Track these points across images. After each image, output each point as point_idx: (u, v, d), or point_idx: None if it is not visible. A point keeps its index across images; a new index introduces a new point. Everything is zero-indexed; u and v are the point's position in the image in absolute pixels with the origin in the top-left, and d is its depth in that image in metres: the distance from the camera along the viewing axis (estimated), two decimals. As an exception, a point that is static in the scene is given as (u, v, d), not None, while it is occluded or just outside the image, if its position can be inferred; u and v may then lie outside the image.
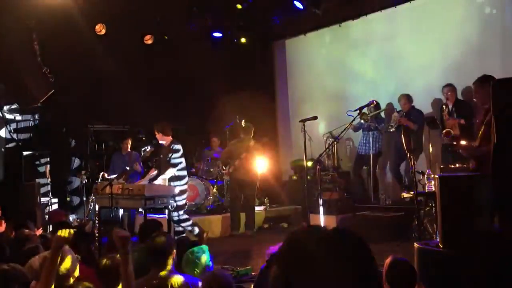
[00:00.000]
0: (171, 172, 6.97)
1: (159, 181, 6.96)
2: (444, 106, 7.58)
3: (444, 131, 7.23)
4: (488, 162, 4.48)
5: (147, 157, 7.66)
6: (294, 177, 9.79)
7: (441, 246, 3.91)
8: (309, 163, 7.39)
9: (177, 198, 7.00)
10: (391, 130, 8.10)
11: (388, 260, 2.88)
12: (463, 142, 5.11)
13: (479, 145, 4.69)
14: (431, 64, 8.46)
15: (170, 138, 7.24)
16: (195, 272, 3.65)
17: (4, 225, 5.38)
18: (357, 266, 1.09)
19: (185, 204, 7.41)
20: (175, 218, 7.01)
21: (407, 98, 8.04)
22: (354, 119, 7.02)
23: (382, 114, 8.64)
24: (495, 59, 7.62)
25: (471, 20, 7.96)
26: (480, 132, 4.63)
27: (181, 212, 7.09)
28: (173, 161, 7.05)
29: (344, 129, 7.37)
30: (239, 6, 9.43)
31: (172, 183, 7.01)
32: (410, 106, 7.99)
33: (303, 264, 1.08)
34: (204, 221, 8.58)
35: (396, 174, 8.31)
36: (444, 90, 7.62)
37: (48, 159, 9.00)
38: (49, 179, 8.88)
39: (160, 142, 7.29)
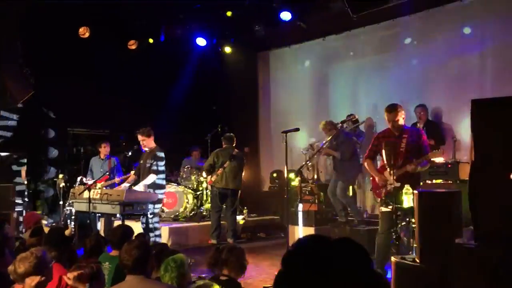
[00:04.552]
0: (152, 178, 6.93)
1: (139, 187, 6.90)
2: (416, 125, 7.70)
3: None
4: None
5: None
6: (274, 188, 9.84)
7: (418, 261, 3.97)
8: (290, 175, 7.45)
9: (155, 206, 6.96)
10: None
11: None
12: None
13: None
14: (408, 81, 8.63)
15: (154, 144, 7.20)
16: (175, 281, 3.62)
17: None
18: (360, 273, 1.16)
19: (160, 212, 7.38)
20: (150, 226, 6.95)
21: (325, 125, 7.79)
22: (335, 134, 7.22)
23: (362, 128, 8.75)
24: (471, 80, 7.83)
25: (451, 42, 8.16)
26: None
27: (155, 220, 7.03)
28: (159, 168, 7.01)
29: (325, 141, 7.47)
30: (229, 14, 9.45)
31: (151, 190, 6.96)
32: (332, 133, 7.52)
33: (307, 267, 1.14)
34: (182, 229, 8.54)
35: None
36: (417, 110, 7.77)
37: (25, 161, 8.85)
38: (25, 181, 8.73)
39: (144, 148, 7.23)
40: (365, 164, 5.71)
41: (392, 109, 5.43)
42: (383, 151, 5.34)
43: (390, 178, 5.31)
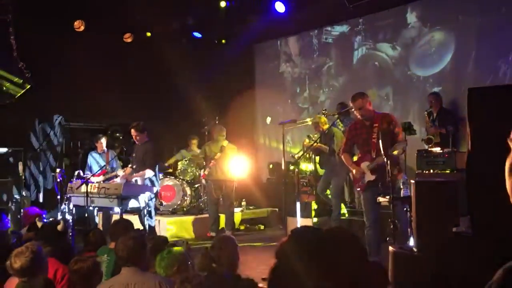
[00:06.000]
0: (150, 172, 6.92)
1: (137, 181, 6.89)
2: (427, 113, 7.63)
3: (426, 137, 7.34)
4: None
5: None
6: (272, 179, 9.84)
7: (415, 250, 3.98)
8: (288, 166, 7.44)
9: (148, 202, 6.94)
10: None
11: None
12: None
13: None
14: (408, 70, 8.62)
15: (146, 138, 7.20)
16: (163, 269, 3.60)
17: None
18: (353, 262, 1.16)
19: (157, 205, 7.39)
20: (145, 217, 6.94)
21: (316, 124, 7.71)
22: (332, 124, 7.21)
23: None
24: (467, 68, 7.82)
25: (449, 29, 8.14)
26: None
27: (148, 221, 7.01)
28: (152, 161, 6.99)
29: (322, 133, 7.46)
30: (223, 5, 9.40)
31: (156, 183, 6.98)
32: (320, 129, 7.58)
33: (300, 258, 1.14)
34: (180, 222, 8.55)
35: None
36: (429, 98, 7.68)
37: (22, 156, 8.84)
38: (23, 177, 8.72)
39: (137, 142, 7.22)
40: (342, 157, 5.61)
41: (357, 97, 5.26)
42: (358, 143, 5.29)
43: (366, 171, 5.23)
